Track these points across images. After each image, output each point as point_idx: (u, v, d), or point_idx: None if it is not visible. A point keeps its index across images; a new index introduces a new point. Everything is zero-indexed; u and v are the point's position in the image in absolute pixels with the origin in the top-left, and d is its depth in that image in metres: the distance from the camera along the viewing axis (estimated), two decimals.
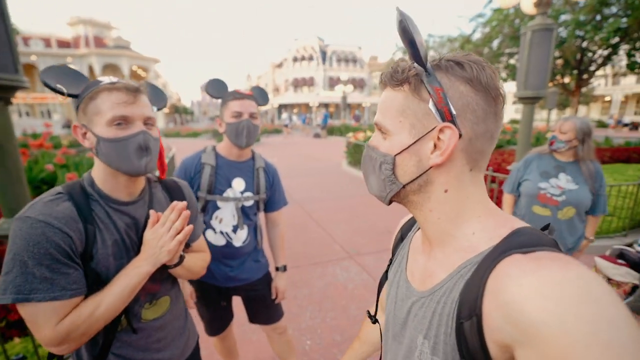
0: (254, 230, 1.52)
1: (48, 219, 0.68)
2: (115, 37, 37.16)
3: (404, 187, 0.50)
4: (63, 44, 35.29)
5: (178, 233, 0.78)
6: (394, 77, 0.48)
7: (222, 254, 1.44)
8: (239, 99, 1.31)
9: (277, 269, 1.60)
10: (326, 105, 45.37)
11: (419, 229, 0.63)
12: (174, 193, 0.97)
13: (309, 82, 45.49)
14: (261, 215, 1.59)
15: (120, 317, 0.80)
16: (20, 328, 1.81)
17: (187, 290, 1.42)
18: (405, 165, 0.49)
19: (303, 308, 2.63)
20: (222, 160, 1.41)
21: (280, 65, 49.51)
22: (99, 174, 0.80)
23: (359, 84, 46.00)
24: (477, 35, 13.28)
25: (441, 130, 0.45)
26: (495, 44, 12.45)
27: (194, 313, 1.22)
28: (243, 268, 1.49)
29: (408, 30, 0.43)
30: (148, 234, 0.79)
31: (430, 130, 0.46)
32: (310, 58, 45.60)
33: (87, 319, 0.69)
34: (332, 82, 44.51)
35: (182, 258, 0.85)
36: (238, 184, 1.41)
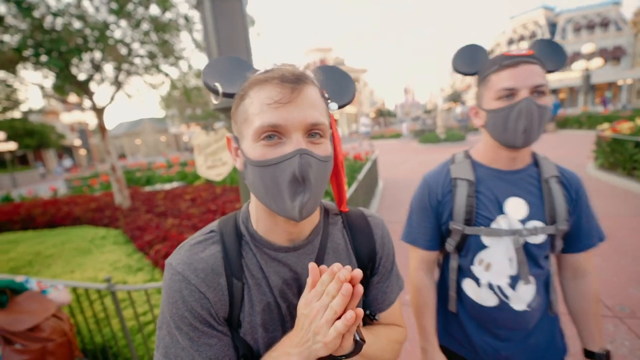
0: (545, 285, 0.95)
1: (186, 272, 0.53)
2: (334, 57, 43.63)
3: None
4: None
5: (339, 316, 0.46)
6: None
7: (492, 321, 0.93)
8: (509, 66, 0.78)
9: (588, 354, 0.94)
10: (554, 91, 36.68)
11: None
12: (357, 235, 0.66)
13: None
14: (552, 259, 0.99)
15: None
16: None
17: None
18: None
19: None
20: (483, 171, 0.92)
21: (491, 53, 42.73)
22: (254, 207, 0.58)
23: (612, 55, 33.97)
24: None
25: None
26: None
27: None
28: (526, 346, 0.93)
29: None
30: (301, 304, 0.51)
31: None
32: (533, 36, 36.83)
33: None
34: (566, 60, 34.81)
35: (358, 345, 0.52)
36: (515, 207, 0.88)
